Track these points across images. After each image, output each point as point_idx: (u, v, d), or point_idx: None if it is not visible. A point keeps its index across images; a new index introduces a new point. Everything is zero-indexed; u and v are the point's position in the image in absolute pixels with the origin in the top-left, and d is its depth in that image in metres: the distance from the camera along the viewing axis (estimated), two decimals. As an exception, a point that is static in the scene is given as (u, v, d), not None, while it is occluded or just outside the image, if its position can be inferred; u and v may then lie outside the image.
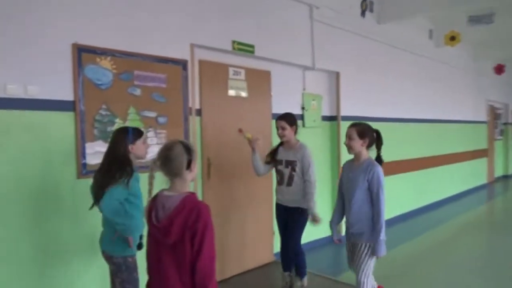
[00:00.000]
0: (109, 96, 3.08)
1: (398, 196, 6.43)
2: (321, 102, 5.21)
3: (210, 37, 3.79)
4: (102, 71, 3.04)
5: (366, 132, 2.70)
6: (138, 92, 3.25)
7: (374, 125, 5.46)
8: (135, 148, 2.41)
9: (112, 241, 2.36)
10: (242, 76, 4.21)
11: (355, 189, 2.67)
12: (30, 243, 2.70)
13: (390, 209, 6.05)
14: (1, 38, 2.58)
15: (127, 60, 3.18)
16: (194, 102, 3.69)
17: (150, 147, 3.28)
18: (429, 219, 6.67)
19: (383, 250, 2.61)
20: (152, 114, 3.35)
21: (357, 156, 2.74)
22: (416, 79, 7.07)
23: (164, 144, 1.91)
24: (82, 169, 2.93)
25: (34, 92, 2.72)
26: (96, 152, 3.00)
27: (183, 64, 3.56)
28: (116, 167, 2.30)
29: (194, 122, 3.68)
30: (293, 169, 3.33)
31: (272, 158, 3.49)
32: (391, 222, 6.16)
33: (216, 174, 3.95)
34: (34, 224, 2.72)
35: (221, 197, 4.00)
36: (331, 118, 5.39)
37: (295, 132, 3.40)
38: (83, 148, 2.94)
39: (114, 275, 2.39)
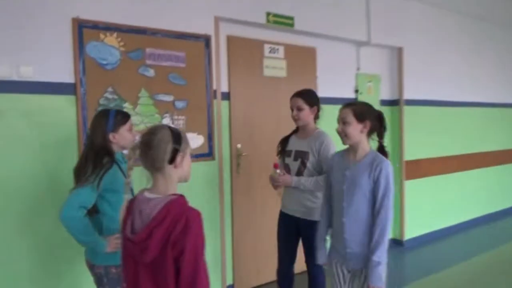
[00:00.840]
0: (116, 78, 2.71)
1: (468, 198, 5.42)
2: (379, 84, 4.45)
3: (239, 8, 3.27)
4: (108, 49, 2.67)
5: (366, 114, 1.97)
6: (151, 72, 2.85)
7: (446, 111, 4.60)
8: (118, 137, 1.98)
9: None
10: (281, 53, 3.64)
11: (355, 193, 1.95)
12: (27, 239, 2.43)
13: (455, 214, 5.12)
14: (-12, 12, 2.30)
15: (136, 37, 2.78)
16: (220, 84, 3.21)
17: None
18: (501, 230, 5.58)
19: (380, 279, 1.87)
20: (169, 98, 2.93)
21: (355, 147, 2.01)
22: (497, 58, 5.88)
23: (147, 127, 1.45)
24: (85, 160, 2.59)
25: (28, 73, 2.42)
26: (101, 141, 2.64)
27: (206, 40, 3.09)
28: (91, 160, 1.89)
29: (220, 107, 3.20)
30: (303, 163, 2.53)
31: (283, 148, 2.75)
32: (454, 230, 5.22)
33: (246, 169, 3.44)
34: (31, 218, 2.44)
35: (252, 196, 3.50)
36: (392, 103, 4.60)
37: (316, 116, 2.62)
38: (85, 137, 2.60)
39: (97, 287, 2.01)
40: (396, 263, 4.15)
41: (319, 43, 3.92)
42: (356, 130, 1.98)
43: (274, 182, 2.57)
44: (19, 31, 2.39)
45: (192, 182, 3.05)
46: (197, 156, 3.05)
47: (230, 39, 3.31)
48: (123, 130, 1.98)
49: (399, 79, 4.54)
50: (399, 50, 4.51)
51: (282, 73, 3.66)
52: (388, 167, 1.92)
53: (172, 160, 1.41)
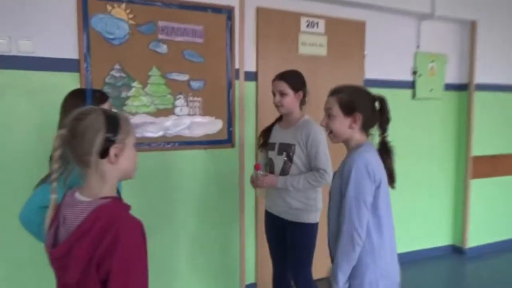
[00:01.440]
0: (124, 54, 2.47)
1: None
2: (444, 65, 3.76)
3: (270, -25, 2.85)
4: (115, 22, 2.44)
5: (356, 103, 1.52)
6: (163, 48, 2.57)
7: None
8: None
9: None
10: (321, 28, 3.16)
11: (332, 197, 1.58)
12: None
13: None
14: (-15, -18, 2.16)
15: (148, 8, 2.51)
16: (243, 62, 2.84)
17: (180, 119, 2.61)
18: None
19: None
20: (183, 77, 2.64)
21: (347, 145, 1.60)
22: None
23: (77, 110, 1.12)
24: (89, 143, 2.41)
25: (28, 48, 2.26)
26: (106, 122, 2.44)
27: (228, 12, 2.73)
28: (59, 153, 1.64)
29: (243, 88, 2.85)
30: (289, 158, 2.15)
31: (265, 141, 2.34)
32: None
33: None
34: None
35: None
36: (459, 87, 3.88)
37: (302, 102, 2.22)
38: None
39: None
40: (454, 274, 3.55)
41: (369, 16, 3.37)
42: (343, 124, 1.54)
43: (257, 185, 2.20)
44: (19, 2, 2.23)
45: (207, 172, 2.81)
46: (214, 142, 2.75)
47: (260, 12, 2.91)
48: None
49: (470, 60, 3.81)
50: (472, 25, 3.76)
51: (322, 51, 3.19)
52: (358, 163, 1.45)
53: (104, 154, 1.10)
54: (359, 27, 3.34)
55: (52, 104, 2.28)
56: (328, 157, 2.11)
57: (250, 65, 2.89)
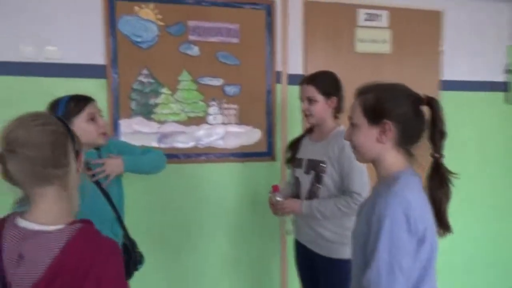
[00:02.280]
0: (153, 58, 2.29)
1: None
2: (550, 61, 2.99)
3: (318, -38, 2.47)
4: (143, 24, 2.27)
5: (385, 105, 1.08)
6: (195, 50, 2.34)
7: None
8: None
9: None
10: (384, 21, 2.68)
11: (355, 243, 1.14)
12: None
13: None
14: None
15: (177, 7, 2.30)
16: (287, 64, 2.49)
17: (213, 128, 2.35)
18: None
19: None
20: (217, 82, 2.38)
21: (377, 170, 1.15)
22: None
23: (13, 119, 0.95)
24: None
25: (55, 55, 2.19)
26: (134, 131, 2.29)
27: (267, 7, 2.41)
28: None
29: (285, 93, 2.50)
30: (318, 178, 1.75)
31: (293, 156, 1.95)
32: None
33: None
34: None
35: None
36: None
37: (337, 110, 1.83)
38: (117, 126, 2.27)
39: None
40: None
41: (447, 4, 2.79)
42: (369, 137, 1.10)
43: (275, 211, 1.80)
44: (44, 7, 2.17)
45: (243, 187, 2.49)
46: (251, 154, 2.43)
47: (308, 5, 2.54)
48: (79, 121, 1.51)
49: None
50: None
51: (385, 48, 2.70)
52: (390, 207, 0.99)
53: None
54: (433, 18, 2.78)
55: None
56: (364, 178, 1.67)
57: (294, 67, 2.53)
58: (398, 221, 0.97)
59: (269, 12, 2.41)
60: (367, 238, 1.02)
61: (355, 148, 1.16)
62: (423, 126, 1.10)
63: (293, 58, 2.52)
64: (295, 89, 2.51)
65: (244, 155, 2.43)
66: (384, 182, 1.08)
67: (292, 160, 1.95)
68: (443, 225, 1.08)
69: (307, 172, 1.83)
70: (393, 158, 1.10)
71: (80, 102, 1.52)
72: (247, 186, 2.44)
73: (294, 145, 1.97)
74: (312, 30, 2.56)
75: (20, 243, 0.89)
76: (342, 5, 2.60)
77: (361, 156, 1.16)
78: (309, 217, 1.77)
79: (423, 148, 1.12)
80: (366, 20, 2.65)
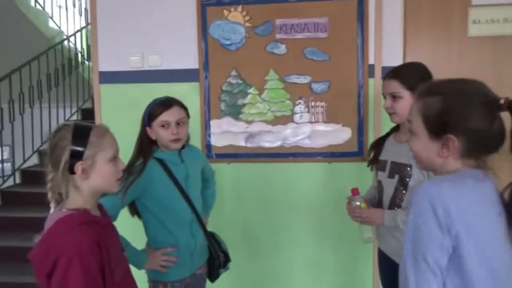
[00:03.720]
0: (241, 59, 2.35)
1: None
2: None
3: None
4: (232, 27, 2.34)
5: (453, 119, 0.89)
6: (282, 49, 2.32)
7: None
8: (153, 134, 1.64)
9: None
10: (507, -3, 2.25)
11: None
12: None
13: None
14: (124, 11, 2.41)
15: (265, 7, 2.31)
16: (381, 56, 2.28)
17: (300, 127, 2.31)
18: None
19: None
20: (304, 79, 2.32)
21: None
22: None
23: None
24: (207, 152, 2.40)
25: (156, 62, 2.42)
26: (224, 131, 2.39)
27: (358, -4, 2.24)
28: (129, 162, 1.63)
29: (379, 88, 2.28)
30: (403, 183, 1.57)
31: (376, 157, 1.71)
32: None
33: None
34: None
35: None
36: None
37: None
38: (207, 127, 2.40)
39: None
40: None
41: None
42: (428, 150, 0.96)
43: (355, 218, 1.60)
44: (147, 19, 2.40)
45: (331, 189, 2.35)
46: (340, 154, 2.30)
47: (408, -11, 2.28)
48: (155, 126, 1.63)
49: None
50: None
51: (510, 29, 2.26)
52: (417, 196, 0.91)
53: (71, 170, 1.05)
54: None
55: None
56: None
57: (391, 59, 2.29)
58: (422, 211, 0.88)
59: (361, 1, 2.23)
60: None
61: (415, 155, 1.01)
62: (501, 135, 0.90)
63: (390, 49, 2.28)
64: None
65: (332, 154, 2.31)
66: None
67: (375, 162, 1.77)
68: None
69: (391, 176, 1.64)
70: (454, 167, 0.94)
71: (158, 109, 1.63)
72: (336, 187, 2.32)
73: (377, 145, 1.79)
74: (413, 14, 2.29)
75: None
76: (451, -16, 2.26)
77: (420, 164, 1.02)
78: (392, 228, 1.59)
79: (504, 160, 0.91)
80: (482, -2, 2.26)
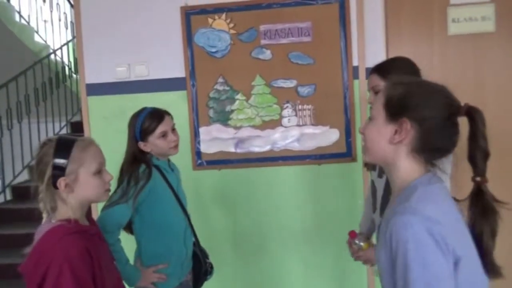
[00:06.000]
0: (227, 66, 2.37)
1: None
2: None
3: None
4: (216, 35, 2.36)
5: (409, 101, 0.90)
6: (267, 54, 2.35)
7: None
8: (150, 146, 1.67)
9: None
10: (483, -5, 2.31)
11: (382, 278, 0.93)
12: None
13: None
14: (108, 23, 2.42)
15: (248, 14, 2.34)
16: (364, 57, 2.32)
17: (288, 131, 2.33)
18: None
19: None
20: (290, 84, 2.35)
21: (388, 175, 0.99)
22: None
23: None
24: (197, 159, 2.41)
25: (143, 72, 2.43)
26: (213, 138, 2.40)
27: (339, 1, 2.28)
28: (127, 172, 1.64)
29: (365, 89, 2.32)
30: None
31: None
32: None
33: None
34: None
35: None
36: None
37: None
38: (197, 134, 2.41)
39: None
40: None
41: None
42: (381, 133, 0.93)
43: (356, 259, 1.63)
44: (133, 30, 2.42)
45: (321, 190, 2.36)
46: (329, 156, 2.33)
47: (388, -9, 2.33)
48: (153, 138, 1.65)
49: None
50: None
51: (488, 27, 2.31)
52: (409, 226, 0.81)
53: (51, 182, 1.07)
54: (553, -18, 2.28)
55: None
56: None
57: (375, 60, 2.28)
58: (423, 242, 0.80)
59: (343, 4, 2.27)
60: (391, 263, 0.85)
61: (365, 144, 1.00)
62: (453, 138, 0.90)
63: (373, 50, 2.33)
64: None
65: (321, 156, 2.34)
66: (399, 196, 0.92)
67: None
68: (489, 266, 0.87)
69: (380, 176, 1.66)
70: (408, 166, 0.92)
71: (153, 123, 1.65)
72: (326, 188, 2.34)
73: None
74: (394, 15, 2.34)
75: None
76: (429, -16, 2.31)
77: (368, 154, 0.99)
78: None
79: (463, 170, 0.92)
80: (460, -4, 2.31)
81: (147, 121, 1.65)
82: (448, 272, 0.81)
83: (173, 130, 1.73)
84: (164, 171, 1.70)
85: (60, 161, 1.06)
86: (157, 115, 1.68)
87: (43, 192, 1.07)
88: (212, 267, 1.86)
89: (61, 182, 1.06)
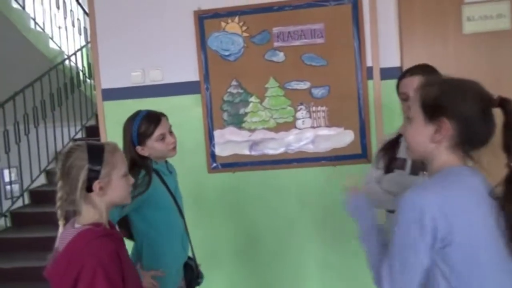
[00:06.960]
0: (240, 69, 2.38)
1: None
2: None
3: None
4: (230, 38, 2.38)
5: (446, 102, 0.95)
6: (280, 56, 2.35)
7: None
8: (148, 150, 1.64)
9: None
10: (499, -8, 2.28)
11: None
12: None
13: None
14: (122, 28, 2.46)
15: (261, 16, 2.35)
16: (378, 57, 2.31)
17: (302, 133, 2.34)
18: None
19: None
20: (303, 85, 2.35)
21: (430, 167, 1.05)
22: None
23: (68, 146, 1.21)
24: (212, 162, 2.43)
25: (157, 76, 2.46)
26: (227, 141, 2.42)
27: (352, 1, 2.28)
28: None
29: (379, 90, 2.31)
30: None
31: (391, 156, 1.69)
32: None
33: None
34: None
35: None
36: None
37: None
38: (211, 137, 2.43)
39: None
40: None
41: None
42: (422, 134, 1.00)
43: None
44: (146, 35, 2.44)
45: (336, 193, 2.33)
46: (344, 157, 2.32)
47: (401, -10, 2.32)
48: (151, 142, 1.64)
49: None
50: None
51: (504, 24, 2.28)
52: (404, 203, 0.95)
53: (89, 189, 1.10)
54: None
55: (177, 125, 2.40)
56: None
57: (388, 60, 2.32)
58: (408, 221, 0.92)
59: (355, 5, 2.27)
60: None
61: (407, 144, 1.06)
62: (490, 129, 0.95)
63: (386, 50, 2.31)
64: (390, 84, 2.31)
65: (336, 158, 2.33)
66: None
67: (391, 161, 1.76)
68: None
69: (414, 173, 1.64)
70: (447, 158, 0.98)
71: (150, 126, 1.64)
72: (340, 190, 2.33)
73: (391, 148, 1.77)
74: (407, 15, 2.32)
75: (61, 234, 1.14)
76: (443, -17, 2.29)
77: (412, 153, 1.06)
78: None
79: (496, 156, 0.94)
80: (475, -6, 2.28)
81: (144, 125, 1.63)
82: (419, 246, 0.91)
83: (170, 132, 1.71)
84: (162, 174, 1.70)
85: (95, 165, 1.09)
86: (154, 118, 1.66)
87: (75, 197, 1.09)
88: (201, 274, 1.84)
89: (97, 185, 1.10)
